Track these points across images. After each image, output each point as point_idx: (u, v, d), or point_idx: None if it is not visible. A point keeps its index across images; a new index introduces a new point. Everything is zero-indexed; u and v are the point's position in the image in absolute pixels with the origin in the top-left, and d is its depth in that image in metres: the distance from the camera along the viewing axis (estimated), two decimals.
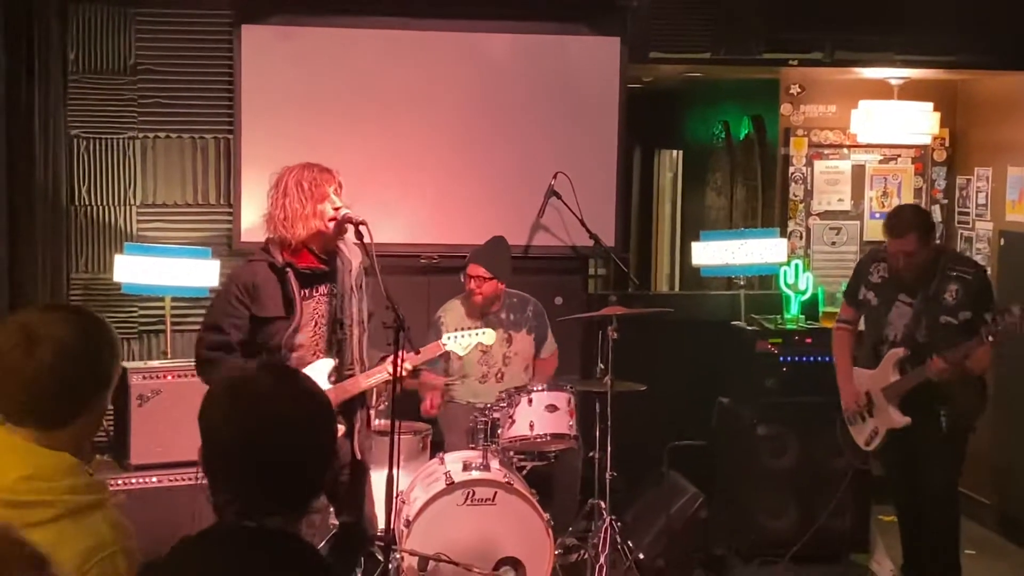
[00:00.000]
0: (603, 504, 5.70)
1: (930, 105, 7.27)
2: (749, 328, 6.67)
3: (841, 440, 5.71)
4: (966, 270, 5.32)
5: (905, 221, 5.30)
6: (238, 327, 4.55)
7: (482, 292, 6.09)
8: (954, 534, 5.50)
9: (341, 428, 4.66)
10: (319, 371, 4.63)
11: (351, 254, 4.75)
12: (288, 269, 4.58)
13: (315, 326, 4.66)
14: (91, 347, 2.39)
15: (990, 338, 5.01)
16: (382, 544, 4.75)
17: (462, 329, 5.33)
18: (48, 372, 2.32)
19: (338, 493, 4.83)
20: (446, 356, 5.98)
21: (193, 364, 4.74)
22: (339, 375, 4.69)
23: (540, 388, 5.72)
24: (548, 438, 5.65)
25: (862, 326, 5.73)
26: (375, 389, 4.82)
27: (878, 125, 7.23)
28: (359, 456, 4.79)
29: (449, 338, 5.09)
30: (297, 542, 2.21)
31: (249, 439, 2.17)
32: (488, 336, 5.20)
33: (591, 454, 5.81)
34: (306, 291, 4.63)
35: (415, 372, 4.93)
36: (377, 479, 4.85)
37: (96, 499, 2.33)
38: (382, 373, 4.62)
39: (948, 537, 5.48)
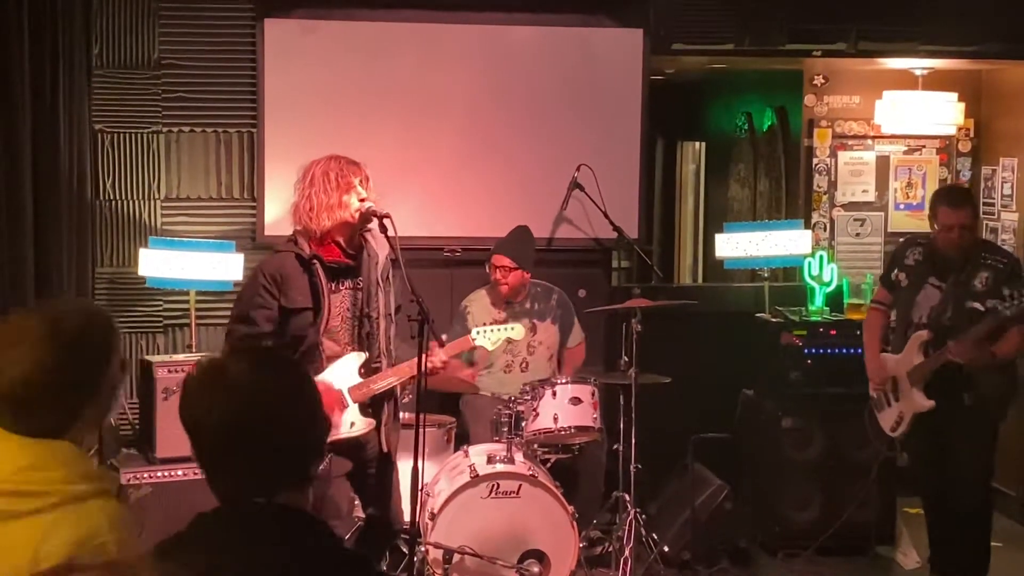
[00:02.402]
0: (627, 496, 5.70)
1: (955, 95, 7.22)
2: (773, 320, 6.66)
3: (868, 426, 5.69)
4: (999, 259, 5.33)
5: (962, 194, 5.52)
6: (269, 318, 4.56)
7: (508, 282, 6.10)
8: (985, 527, 5.48)
9: (370, 422, 4.68)
10: (349, 365, 4.64)
11: (378, 246, 4.75)
12: (315, 261, 4.59)
13: (341, 320, 4.67)
14: (69, 360, 2.32)
15: (1008, 311, 4.99)
16: (407, 537, 4.77)
17: (488, 320, 5.34)
18: (23, 389, 2.28)
19: (365, 486, 4.84)
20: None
21: (219, 352, 4.74)
22: (367, 369, 4.70)
23: (564, 381, 5.73)
24: (572, 431, 5.65)
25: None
26: (400, 384, 4.83)
27: (902, 116, 7.20)
28: (386, 449, 4.79)
29: (479, 333, 5.10)
30: (308, 518, 2.21)
31: (233, 426, 2.17)
32: (517, 331, 5.22)
33: (615, 447, 5.82)
34: (332, 284, 4.64)
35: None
36: (402, 472, 4.86)
37: (95, 488, 2.31)
38: (411, 368, 4.61)
39: (977, 529, 5.46)
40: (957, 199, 5.40)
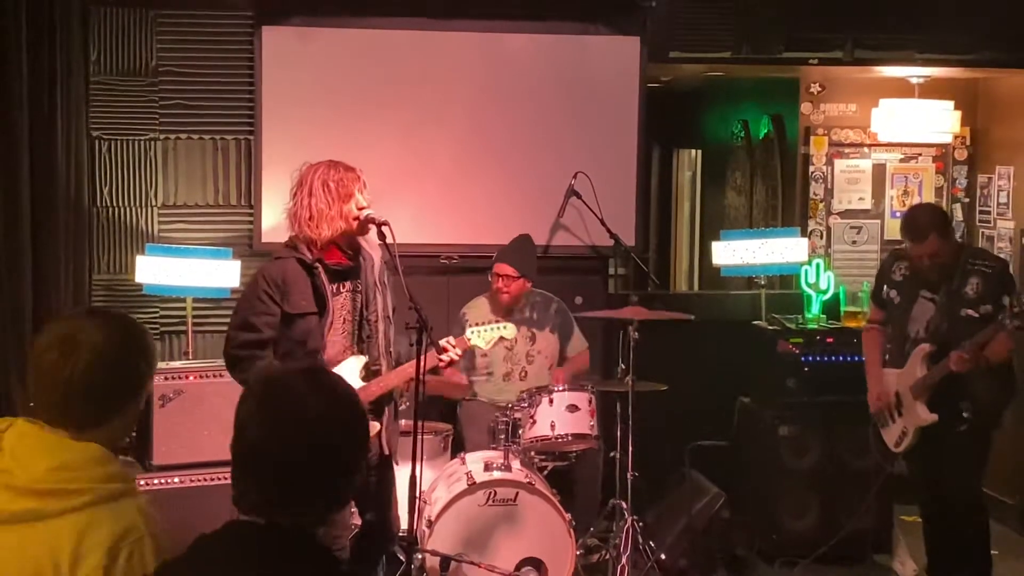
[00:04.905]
0: (624, 504, 5.70)
1: (951, 103, 7.25)
2: (770, 328, 6.66)
3: (873, 443, 5.66)
4: (987, 264, 5.32)
5: (923, 224, 5.30)
6: (270, 324, 4.53)
7: (510, 291, 6.10)
8: (983, 535, 5.47)
9: (375, 426, 4.67)
10: (350, 369, 4.63)
11: (372, 250, 4.75)
12: (318, 265, 4.59)
13: (343, 323, 4.66)
14: (127, 356, 2.46)
15: (1011, 321, 4.97)
16: (404, 544, 4.76)
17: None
18: (82, 378, 2.39)
19: (366, 492, 4.82)
20: (471, 354, 5.99)
21: (222, 364, 4.73)
22: (367, 372, 4.69)
23: (561, 388, 5.72)
24: (569, 438, 5.65)
25: None
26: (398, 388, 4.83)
27: (899, 124, 7.22)
28: (387, 451, 4.78)
29: (472, 332, 5.08)
30: (311, 542, 2.20)
31: (274, 440, 2.17)
32: (509, 330, 5.18)
33: (612, 454, 5.82)
34: (334, 287, 4.63)
35: (435, 370, 4.92)
36: (400, 479, 4.86)
37: (125, 487, 2.40)
38: (412, 370, 4.61)
39: (977, 539, 5.45)
40: (919, 233, 5.27)
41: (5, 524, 2.31)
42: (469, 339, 5.05)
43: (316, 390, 2.23)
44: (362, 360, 4.68)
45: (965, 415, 5.27)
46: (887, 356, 5.60)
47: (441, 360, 4.73)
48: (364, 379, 4.66)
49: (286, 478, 2.17)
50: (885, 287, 5.60)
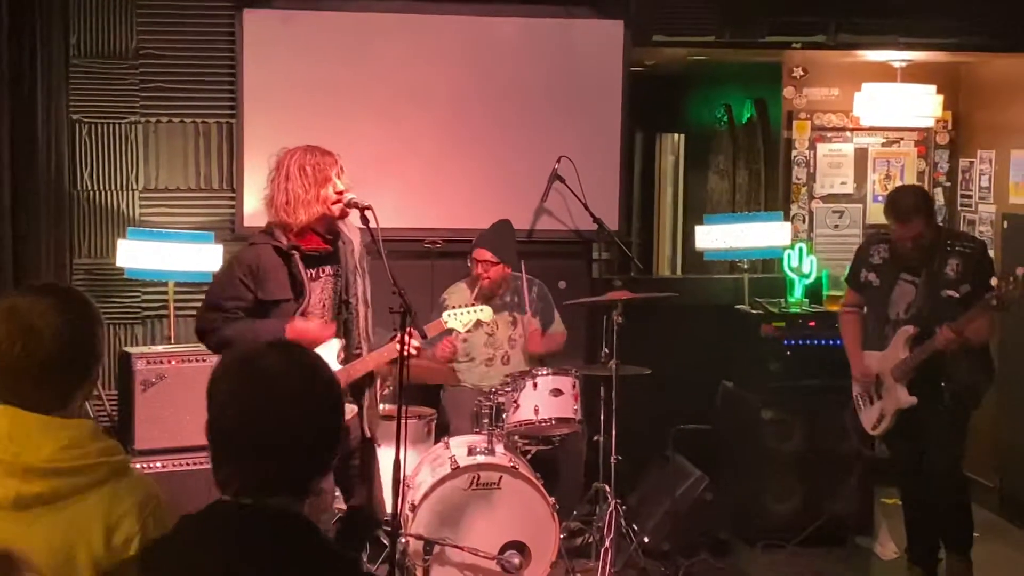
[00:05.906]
0: (608, 488, 5.71)
1: (933, 88, 7.26)
2: (753, 312, 6.67)
3: (849, 425, 5.68)
4: (966, 245, 5.35)
5: (909, 206, 5.29)
6: (240, 308, 4.52)
7: (489, 276, 6.09)
8: (964, 516, 5.50)
9: (352, 408, 4.66)
10: (327, 352, 4.61)
11: (352, 234, 4.74)
12: (294, 252, 4.57)
13: (322, 307, 4.65)
14: (85, 331, 2.43)
15: (995, 302, 5.00)
16: (388, 528, 4.75)
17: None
18: (52, 365, 2.36)
19: (348, 476, 4.81)
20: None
21: (204, 349, 4.72)
22: (347, 355, 4.68)
23: (545, 372, 5.73)
24: (553, 422, 5.65)
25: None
26: (380, 372, 4.81)
27: (881, 108, 7.22)
28: (368, 434, 4.78)
29: (449, 315, 5.08)
30: (299, 521, 2.19)
31: (253, 417, 2.15)
32: (485, 313, 5.17)
33: (596, 438, 5.82)
34: (312, 272, 4.61)
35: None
36: (383, 463, 4.85)
37: (127, 457, 2.44)
38: (390, 353, 4.60)
39: (957, 519, 5.48)
40: (904, 215, 5.27)
41: (27, 508, 2.29)
42: (446, 322, 5.05)
43: (288, 362, 2.20)
44: (339, 343, 4.66)
45: (946, 396, 5.30)
46: (865, 339, 5.61)
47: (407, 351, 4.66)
48: (343, 362, 4.65)
49: (271, 457, 2.15)
50: (863, 270, 5.61)
